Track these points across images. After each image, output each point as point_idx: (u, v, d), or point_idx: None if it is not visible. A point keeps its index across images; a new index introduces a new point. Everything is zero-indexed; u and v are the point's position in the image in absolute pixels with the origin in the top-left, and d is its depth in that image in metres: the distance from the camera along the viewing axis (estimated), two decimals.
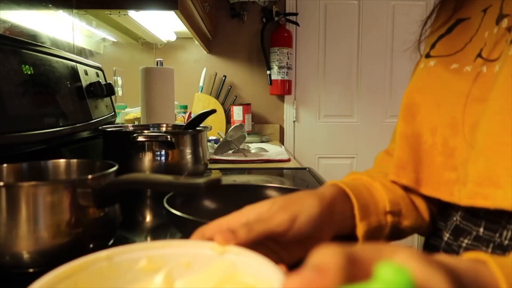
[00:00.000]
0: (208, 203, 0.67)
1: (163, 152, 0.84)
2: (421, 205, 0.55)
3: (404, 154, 0.55)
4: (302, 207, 0.43)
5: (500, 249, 0.45)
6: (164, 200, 0.56)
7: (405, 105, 0.59)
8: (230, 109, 2.31)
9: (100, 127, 0.92)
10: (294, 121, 2.51)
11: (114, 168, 0.54)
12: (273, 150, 1.69)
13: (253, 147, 1.74)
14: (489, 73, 0.50)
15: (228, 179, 1.08)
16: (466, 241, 0.50)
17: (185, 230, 0.55)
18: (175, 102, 1.55)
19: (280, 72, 2.33)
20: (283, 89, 2.36)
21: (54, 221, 0.46)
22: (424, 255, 0.26)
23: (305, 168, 1.27)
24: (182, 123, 1.26)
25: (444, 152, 0.52)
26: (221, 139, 1.60)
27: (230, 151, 1.57)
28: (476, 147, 0.47)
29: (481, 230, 0.48)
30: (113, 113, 1.18)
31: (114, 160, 0.58)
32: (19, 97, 0.69)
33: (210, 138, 1.82)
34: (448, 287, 0.24)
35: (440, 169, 0.52)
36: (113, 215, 0.54)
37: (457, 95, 0.52)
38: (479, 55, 0.52)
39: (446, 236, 0.54)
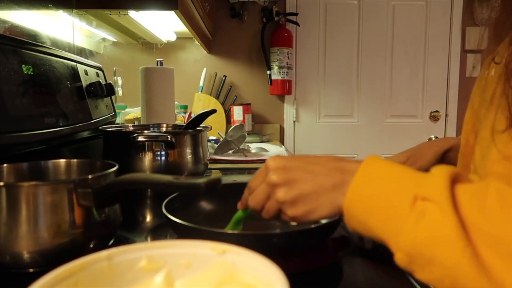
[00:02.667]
0: (208, 204, 0.66)
1: (163, 152, 0.84)
2: None
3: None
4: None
5: None
6: (163, 206, 0.56)
7: None
8: (230, 109, 2.31)
9: (100, 127, 0.91)
10: (294, 121, 2.51)
11: (114, 168, 0.54)
12: (273, 150, 1.69)
13: (253, 147, 1.74)
14: (493, 76, 0.51)
15: (228, 179, 1.08)
16: None
17: (184, 236, 0.54)
18: (175, 102, 1.55)
19: (280, 72, 2.33)
20: (283, 89, 2.36)
21: (54, 221, 0.46)
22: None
23: None
24: (182, 123, 1.26)
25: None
26: (221, 139, 1.60)
27: (230, 151, 1.57)
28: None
29: None
30: (113, 113, 1.18)
31: (114, 160, 0.58)
32: (19, 97, 0.69)
33: (210, 138, 1.82)
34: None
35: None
36: (113, 215, 0.54)
37: (472, 101, 0.57)
38: (493, 59, 0.53)
39: None
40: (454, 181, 0.36)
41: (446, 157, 0.80)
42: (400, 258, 0.36)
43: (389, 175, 0.40)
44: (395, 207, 0.37)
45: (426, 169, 0.80)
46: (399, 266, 0.37)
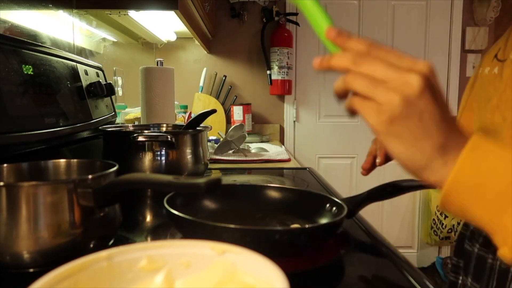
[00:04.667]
0: (208, 203, 0.67)
1: (163, 152, 0.84)
2: None
3: None
4: None
5: None
6: (164, 200, 0.56)
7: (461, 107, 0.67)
8: (230, 109, 2.31)
9: (100, 127, 0.91)
10: (294, 121, 2.51)
11: (114, 168, 0.54)
12: (273, 150, 1.69)
13: (253, 147, 1.74)
14: (499, 74, 0.50)
15: (228, 179, 1.08)
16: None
17: (185, 230, 0.55)
18: (175, 102, 1.55)
19: (280, 72, 2.33)
20: (283, 89, 2.36)
21: (54, 221, 0.46)
22: None
23: (305, 168, 1.27)
24: (182, 123, 1.26)
25: None
26: (221, 139, 1.60)
27: (230, 151, 1.57)
28: None
29: None
30: (113, 113, 1.18)
31: (114, 160, 0.58)
32: (19, 97, 0.69)
33: (210, 138, 1.82)
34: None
35: None
36: (113, 215, 0.54)
37: (480, 99, 0.56)
38: (495, 56, 0.53)
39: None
40: None
41: None
42: (506, 254, 0.34)
43: (502, 161, 0.35)
44: (506, 200, 0.34)
45: None
46: (503, 259, 0.35)
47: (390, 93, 0.35)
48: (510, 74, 0.47)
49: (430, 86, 0.35)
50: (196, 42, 2.10)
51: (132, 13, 1.37)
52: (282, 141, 2.48)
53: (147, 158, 0.83)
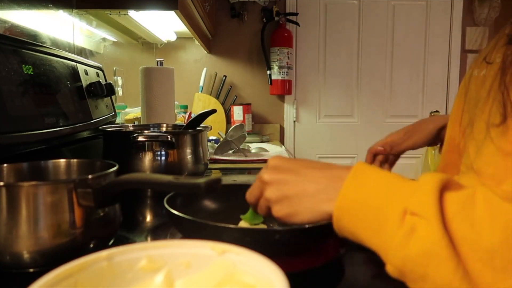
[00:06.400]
0: (208, 203, 0.67)
1: (163, 152, 0.84)
2: None
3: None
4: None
5: None
6: (164, 200, 0.56)
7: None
8: (230, 109, 2.31)
9: (100, 127, 0.91)
10: (294, 121, 2.51)
11: (114, 168, 0.54)
12: (273, 150, 1.69)
13: (253, 147, 1.74)
14: (486, 75, 0.51)
15: (228, 179, 1.08)
16: None
17: (185, 230, 0.55)
18: (175, 102, 1.55)
19: (280, 72, 2.33)
20: (283, 89, 2.36)
21: (54, 221, 0.46)
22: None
23: None
24: (182, 123, 1.26)
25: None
26: (221, 139, 1.60)
27: (230, 151, 1.57)
28: None
29: None
30: (113, 113, 1.18)
31: (114, 160, 0.58)
32: (19, 97, 0.69)
33: (210, 138, 1.82)
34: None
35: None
36: (113, 215, 0.54)
37: (470, 100, 0.57)
38: (484, 58, 0.53)
39: None
40: (444, 189, 0.36)
41: (441, 134, 0.85)
42: (391, 271, 0.37)
43: (377, 185, 0.39)
44: (384, 221, 0.37)
45: (420, 145, 0.87)
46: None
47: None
48: (493, 77, 0.48)
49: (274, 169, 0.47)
50: (196, 42, 2.10)
51: (132, 13, 1.37)
52: (282, 141, 2.48)
53: (147, 158, 0.83)
